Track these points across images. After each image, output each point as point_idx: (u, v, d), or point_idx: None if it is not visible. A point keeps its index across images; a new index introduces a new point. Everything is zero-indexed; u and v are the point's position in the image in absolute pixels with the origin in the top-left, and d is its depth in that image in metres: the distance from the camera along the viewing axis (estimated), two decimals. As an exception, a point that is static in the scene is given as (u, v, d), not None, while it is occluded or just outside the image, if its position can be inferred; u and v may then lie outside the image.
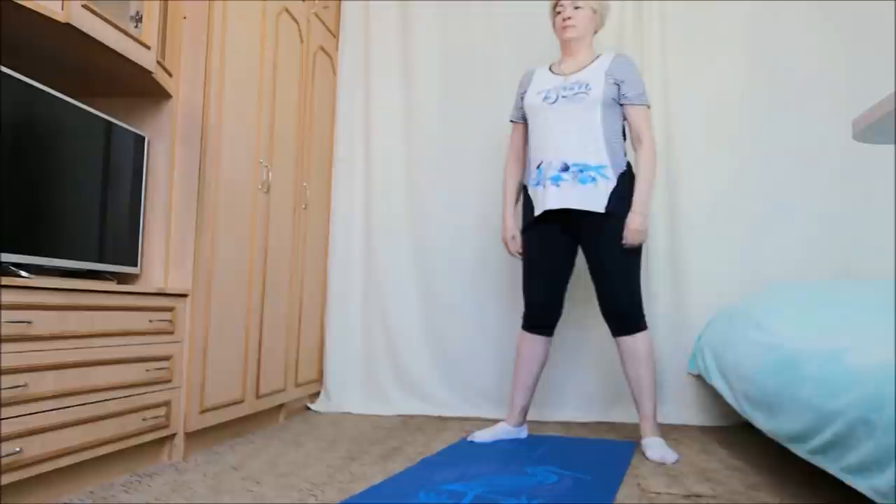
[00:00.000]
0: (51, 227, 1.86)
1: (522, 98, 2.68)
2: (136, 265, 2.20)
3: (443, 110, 3.39)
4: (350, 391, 3.32)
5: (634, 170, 2.54)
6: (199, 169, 2.28)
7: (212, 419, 2.35)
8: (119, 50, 1.93)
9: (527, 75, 2.72)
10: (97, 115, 2.02)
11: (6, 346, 1.55)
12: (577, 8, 2.59)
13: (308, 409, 3.30)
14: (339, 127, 3.45)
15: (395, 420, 3.07)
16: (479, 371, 3.21)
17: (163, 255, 2.26)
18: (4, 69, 1.67)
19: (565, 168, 2.48)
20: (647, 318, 2.53)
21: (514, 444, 2.54)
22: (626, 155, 2.54)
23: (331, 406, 3.29)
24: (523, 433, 2.68)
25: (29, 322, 1.61)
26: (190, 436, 2.27)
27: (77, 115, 1.94)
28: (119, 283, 2.15)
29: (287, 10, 2.86)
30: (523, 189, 2.67)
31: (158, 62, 2.16)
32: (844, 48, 3.10)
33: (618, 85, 2.50)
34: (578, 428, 2.95)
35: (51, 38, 1.82)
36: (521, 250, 2.68)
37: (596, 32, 2.68)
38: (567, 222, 2.53)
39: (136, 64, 2.02)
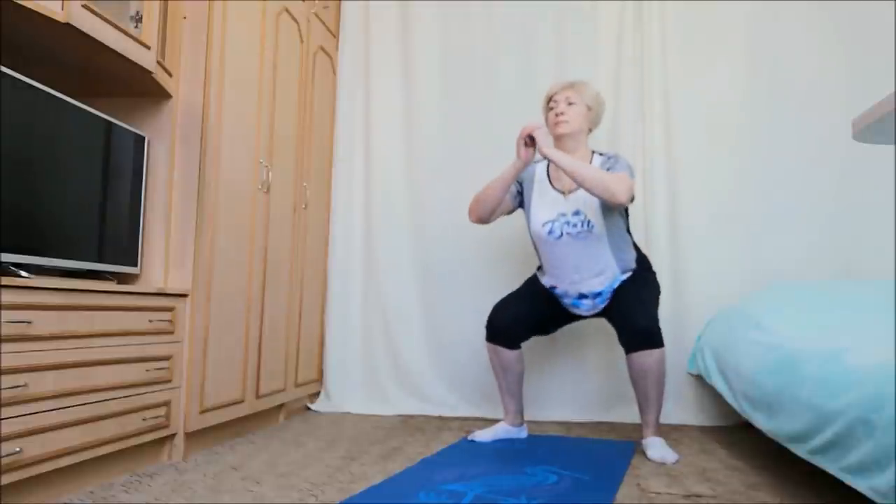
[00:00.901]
0: (51, 227, 1.86)
1: (520, 193, 2.62)
2: (136, 265, 2.20)
3: (443, 110, 3.39)
4: (350, 391, 3.32)
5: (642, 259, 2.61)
6: (199, 169, 2.28)
7: (212, 419, 2.35)
8: (119, 50, 1.93)
9: (528, 174, 2.61)
10: (97, 115, 2.02)
11: (6, 346, 1.55)
12: (570, 104, 2.54)
13: (308, 409, 3.30)
14: (339, 127, 3.45)
15: (395, 420, 3.07)
16: (479, 371, 3.21)
17: (163, 255, 2.26)
18: (4, 69, 1.67)
19: (583, 296, 2.56)
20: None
21: (514, 444, 2.54)
22: (634, 248, 2.59)
23: (331, 406, 3.29)
24: (523, 433, 2.68)
25: (29, 322, 1.61)
26: (190, 436, 2.27)
27: (77, 115, 1.94)
28: (119, 283, 2.15)
29: (287, 10, 2.86)
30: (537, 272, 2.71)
31: (158, 62, 2.15)
32: (844, 48, 3.10)
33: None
34: (578, 428, 2.95)
35: (51, 37, 1.82)
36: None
37: (591, 130, 2.63)
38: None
39: (136, 64, 2.02)
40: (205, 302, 2.30)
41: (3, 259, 1.68)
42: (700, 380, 2.94)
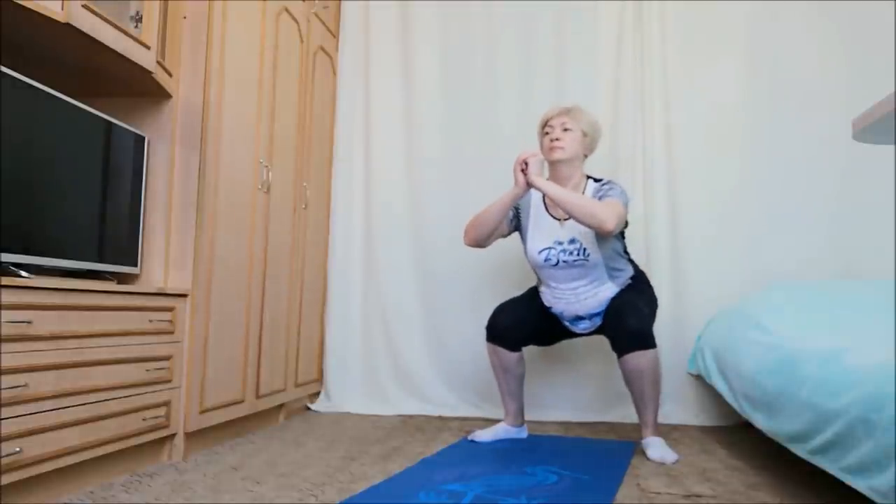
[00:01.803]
0: (51, 227, 1.86)
1: (517, 217, 2.62)
2: (135, 265, 2.20)
3: (443, 110, 3.39)
4: (350, 391, 3.32)
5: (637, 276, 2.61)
6: (199, 169, 2.28)
7: (212, 419, 2.35)
8: (119, 50, 1.93)
9: (525, 200, 2.59)
10: (97, 115, 2.02)
11: (6, 346, 1.55)
12: (566, 130, 2.52)
13: (308, 409, 3.30)
14: (339, 127, 3.45)
15: (395, 420, 3.07)
16: (479, 371, 3.20)
17: (163, 256, 2.26)
18: (4, 69, 1.67)
19: (580, 318, 2.59)
20: (648, 318, 2.53)
21: (514, 444, 2.54)
22: (632, 266, 2.60)
23: (331, 406, 3.29)
24: (523, 433, 2.68)
25: (29, 322, 1.61)
26: (190, 436, 2.27)
27: (77, 115, 1.94)
28: (119, 283, 2.14)
29: (287, 10, 2.86)
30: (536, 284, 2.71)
31: (158, 62, 2.15)
32: (844, 48, 3.10)
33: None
34: (578, 428, 2.95)
35: (51, 37, 1.82)
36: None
37: (586, 157, 2.61)
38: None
39: (136, 64, 2.02)
40: (205, 302, 2.30)
41: (3, 259, 1.68)
42: (700, 380, 2.94)
